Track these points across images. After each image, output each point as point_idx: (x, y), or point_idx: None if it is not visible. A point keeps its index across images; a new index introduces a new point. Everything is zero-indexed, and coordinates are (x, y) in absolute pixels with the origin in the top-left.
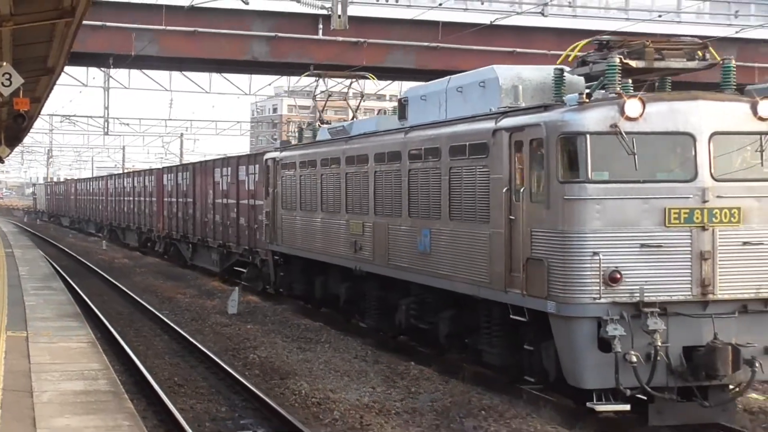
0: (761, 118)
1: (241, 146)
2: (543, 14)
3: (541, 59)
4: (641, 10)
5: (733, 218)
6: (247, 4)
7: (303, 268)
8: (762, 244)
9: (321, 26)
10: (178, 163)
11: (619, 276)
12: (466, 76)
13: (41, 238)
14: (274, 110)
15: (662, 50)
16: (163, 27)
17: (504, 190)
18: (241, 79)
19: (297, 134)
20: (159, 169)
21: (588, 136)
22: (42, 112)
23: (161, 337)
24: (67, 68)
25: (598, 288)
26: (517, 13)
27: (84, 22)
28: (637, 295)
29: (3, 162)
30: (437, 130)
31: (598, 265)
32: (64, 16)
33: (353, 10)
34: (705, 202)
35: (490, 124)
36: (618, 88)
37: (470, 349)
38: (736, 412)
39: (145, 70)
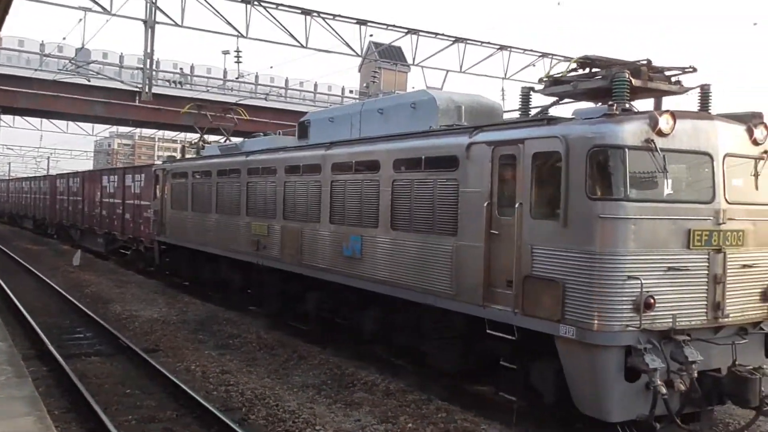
0: (756, 143)
1: (87, 166)
2: (266, 99)
3: (264, 126)
4: (321, 102)
5: (739, 241)
6: (89, 81)
7: (189, 257)
8: (755, 266)
9: (137, 98)
10: (70, 172)
11: (652, 302)
12: (387, 99)
13: None
14: (108, 145)
15: (652, 73)
16: (35, 91)
17: (485, 204)
18: (87, 126)
19: (180, 151)
20: (53, 175)
21: (626, 150)
22: None
23: (28, 280)
24: None
25: (630, 315)
26: (251, 98)
27: None
28: (668, 321)
29: None
30: (374, 146)
31: (632, 290)
32: None
33: (156, 89)
34: (720, 224)
35: (462, 139)
36: (626, 103)
37: (396, 344)
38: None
39: (25, 117)
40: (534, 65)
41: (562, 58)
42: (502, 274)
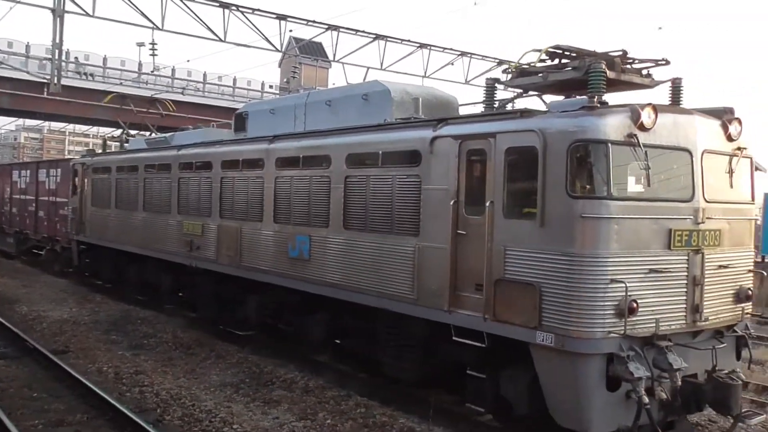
0: (730, 138)
1: None
2: (182, 93)
3: (182, 121)
4: (240, 96)
5: (716, 241)
6: None
7: (112, 258)
8: (730, 267)
9: (46, 89)
10: None
11: (635, 306)
12: (335, 91)
13: None
14: (15, 139)
15: (624, 65)
16: None
17: (451, 203)
18: None
19: (102, 145)
20: None
21: (610, 145)
22: None
23: None
24: None
25: (613, 320)
26: (167, 92)
27: None
28: (650, 326)
29: None
30: (325, 140)
31: (615, 294)
32: None
33: (67, 81)
34: (699, 223)
35: (425, 132)
36: (603, 96)
37: (347, 352)
38: None
39: None
40: (453, 64)
41: (480, 57)
42: (470, 277)
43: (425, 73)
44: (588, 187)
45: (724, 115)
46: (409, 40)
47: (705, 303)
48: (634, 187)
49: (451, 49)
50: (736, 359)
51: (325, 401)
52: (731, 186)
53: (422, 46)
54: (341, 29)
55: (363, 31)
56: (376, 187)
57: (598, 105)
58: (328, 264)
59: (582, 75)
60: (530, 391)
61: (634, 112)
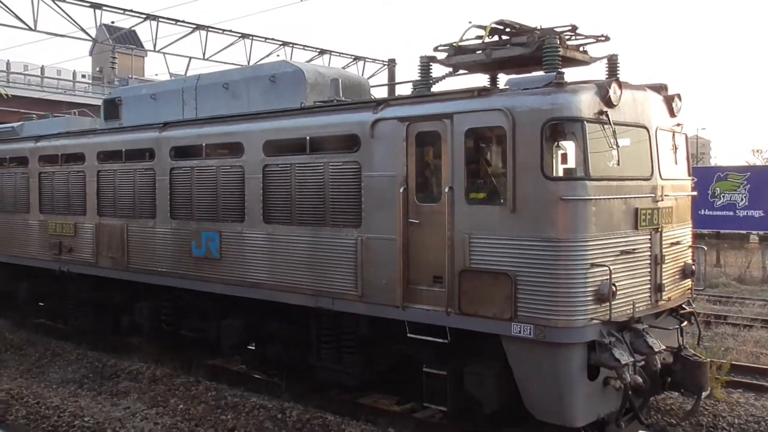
0: (672, 114)
1: None
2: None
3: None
4: (50, 86)
5: (669, 219)
6: None
7: None
8: (679, 244)
9: None
10: None
11: (615, 290)
12: (234, 72)
13: None
14: None
15: (566, 41)
16: None
17: (400, 191)
18: None
19: None
20: None
21: (585, 123)
22: None
23: None
24: None
25: (594, 306)
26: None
27: None
28: (627, 310)
29: None
30: (235, 126)
31: (596, 279)
32: None
33: None
34: (657, 201)
35: (364, 115)
36: (558, 71)
37: (271, 358)
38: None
39: None
40: (278, 55)
41: (302, 47)
42: (426, 269)
43: (248, 62)
44: (566, 168)
45: (660, 91)
46: (231, 30)
47: (664, 282)
48: (605, 166)
49: (273, 39)
50: (680, 336)
51: (174, 388)
52: (676, 162)
53: (244, 36)
54: (160, 19)
55: (183, 21)
56: (303, 177)
57: (568, 82)
58: (246, 262)
59: (532, 51)
60: (500, 386)
61: (602, 87)
